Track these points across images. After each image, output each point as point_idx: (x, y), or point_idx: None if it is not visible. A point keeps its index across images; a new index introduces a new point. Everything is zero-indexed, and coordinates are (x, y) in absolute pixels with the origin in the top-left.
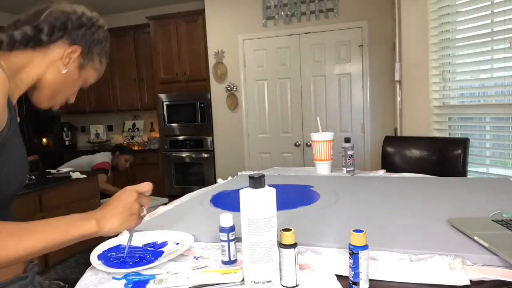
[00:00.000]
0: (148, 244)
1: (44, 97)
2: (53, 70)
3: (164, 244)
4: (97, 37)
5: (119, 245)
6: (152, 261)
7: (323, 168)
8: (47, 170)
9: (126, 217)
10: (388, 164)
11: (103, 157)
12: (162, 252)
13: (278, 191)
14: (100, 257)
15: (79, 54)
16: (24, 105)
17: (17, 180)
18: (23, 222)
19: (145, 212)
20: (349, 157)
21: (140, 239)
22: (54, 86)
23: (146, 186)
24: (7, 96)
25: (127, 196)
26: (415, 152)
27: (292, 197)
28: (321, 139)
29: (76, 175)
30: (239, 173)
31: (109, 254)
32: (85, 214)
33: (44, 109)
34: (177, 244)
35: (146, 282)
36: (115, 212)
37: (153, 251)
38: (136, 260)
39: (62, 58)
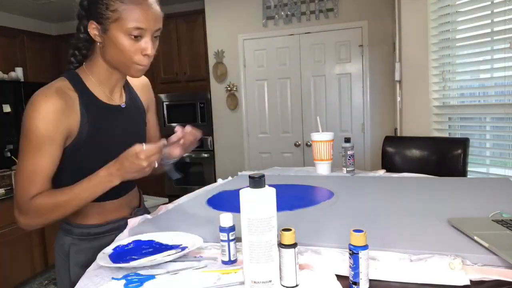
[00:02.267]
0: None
1: (121, 69)
2: (99, 52)
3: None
4: (97, 4)
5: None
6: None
7: (323, 168)
8: None
9: (134, 174)
10: (388, 164)
11: None
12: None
13: (279, 191)
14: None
15: (94, 26)
16: (25, 105)
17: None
18: (63, 189)
19: (156, 164)
20: (349, 157)
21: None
22: (111, 60)
23: (153, 149)
24: (59, 117)
25: (133, 161)
26: (415, 152)
27: (292, 197)
28: (321, 139)
29: None
30: (239, 173)
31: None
32: (106, 172)
33: (137, 76)
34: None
35: (145, 282)
36: (125, 175)
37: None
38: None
39: (95, 42)
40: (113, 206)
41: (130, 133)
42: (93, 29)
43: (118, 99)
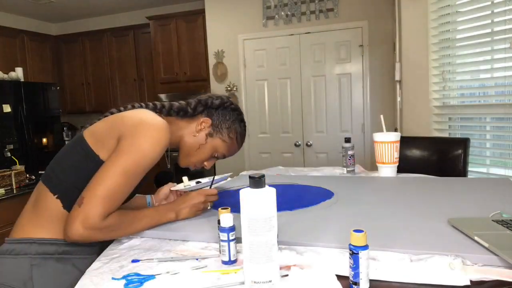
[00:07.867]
0: None
1: (181, 156)
2: (190, 135)
3: None
4: (228, 116)
5: None
6: None
7: (386, 171)
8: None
9: (194, 212)
10: None
11: None
12: None
13: (279, 191)
14: None
15: (209, 125)
16: (25, 105)
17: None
18: (132, 211)
19: (209, 207)
20: (349, 157)
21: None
22: (188, 147)
23: (213, 191)
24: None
25: (197, 199)
26: (415, 152)
27: (292, 197)
28: (385, 139)
29: None
30: (241, 173)
31: None
32: (169, 206)
33: (182, 167)
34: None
35: (146, 282)
36: (187, 210)
37: None
38: None
39: (197, 126)
40: None
41: None
42: (205, 124)
43: None
